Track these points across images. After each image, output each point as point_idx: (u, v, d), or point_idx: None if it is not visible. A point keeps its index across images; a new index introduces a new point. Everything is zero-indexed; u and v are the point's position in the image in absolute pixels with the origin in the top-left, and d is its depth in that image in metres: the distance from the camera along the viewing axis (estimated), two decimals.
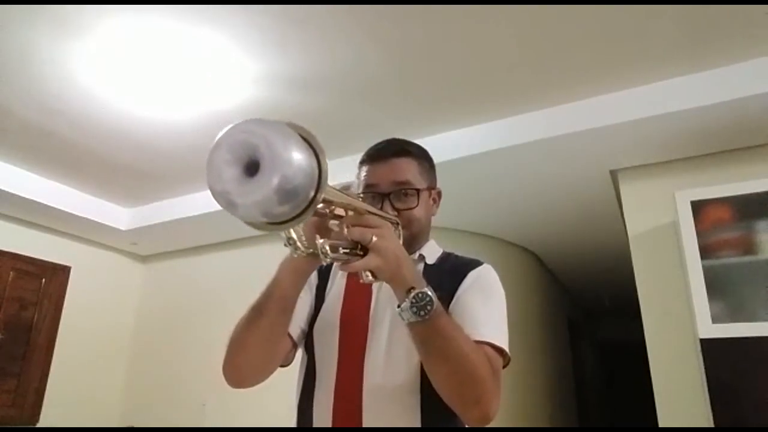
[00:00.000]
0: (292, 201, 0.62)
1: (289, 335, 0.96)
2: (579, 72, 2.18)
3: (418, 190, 1.02)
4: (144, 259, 4.50)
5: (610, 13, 1.83)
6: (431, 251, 1.09)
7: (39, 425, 3.52)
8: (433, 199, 1.10)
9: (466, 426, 0.94)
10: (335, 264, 0.79)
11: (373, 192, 1.00)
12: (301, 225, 0.68)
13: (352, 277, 1.01)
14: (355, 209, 0.80)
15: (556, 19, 1.87)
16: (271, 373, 0.95)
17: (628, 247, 2.60)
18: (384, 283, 0.91)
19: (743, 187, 2.09)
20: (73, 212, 3.47)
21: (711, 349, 1.96)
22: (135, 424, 3.96)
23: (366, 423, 0.90)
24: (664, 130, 2.29)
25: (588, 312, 7.06)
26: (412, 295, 0.76)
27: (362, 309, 1.00)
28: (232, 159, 0.62)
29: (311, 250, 0.74)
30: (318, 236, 0.73)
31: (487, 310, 0.94)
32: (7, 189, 3.10)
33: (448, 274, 1.01)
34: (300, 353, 1.04)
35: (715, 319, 1.98)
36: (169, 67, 2.18)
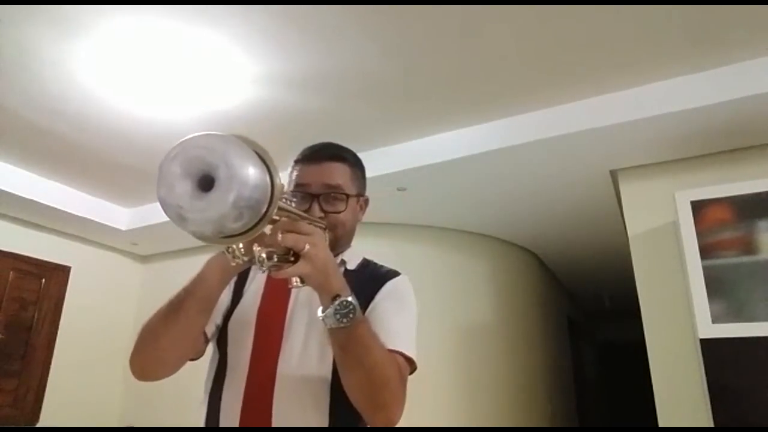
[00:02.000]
0: (245, 217, 0.63)
1: (203, 332, 0.96)
2: (579, 72, 2.18)
3: (347, 195, 1.04)
4: (144, 259, 4.50)
5: (610, 13, 1.83)
6: (352, 257, 1.11)
7: (39, 425, 3.52)
8: (361, 206, 1.12)
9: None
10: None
11: (304, 192, 1.01)
12: (252, 236, 0.69)
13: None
14: (288, 213, 0.81)
15: (556, 19, 1.87)
16: (176, 370, 0.94)
17: (628, 247, 2.59)
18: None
19: (743, 187, 2.09)
20: (73, 212, 3.47)
21: (711, 349, 1.96)
22: (134, 424, 3.97)
23: (276, 410, 0.92)
24: (664, 130, 2.29)
25: (588, 312, 7.06)
26: (337, 302, 0.79)
27: (280, 308, 1.01)
28: (185, 173, 0.63)
29: (248, 257, 0.76)
30: (255, 244, 0.74)
31: (400, 320, 0.98)
32: (7, 189, 3.10)
33: (367, 282, 1.03)
34: (210, 346, 1.04)
35: (715, 319, 1.98)
36: (169, 67, 2.18)
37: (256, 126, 2.58)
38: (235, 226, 0.64)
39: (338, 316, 0.78)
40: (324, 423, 0.93)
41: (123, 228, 3.79)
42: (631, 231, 2.61)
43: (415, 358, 0.95)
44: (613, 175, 2.74)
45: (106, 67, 2.19)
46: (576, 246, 4.16)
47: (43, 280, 3.66)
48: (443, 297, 3.53)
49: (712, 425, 1.89)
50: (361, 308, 0.82)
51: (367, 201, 1.14)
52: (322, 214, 0.99)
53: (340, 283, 0.81)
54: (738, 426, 1.85)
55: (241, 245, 0.76)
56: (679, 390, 2.28)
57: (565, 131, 2.35)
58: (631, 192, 2.65)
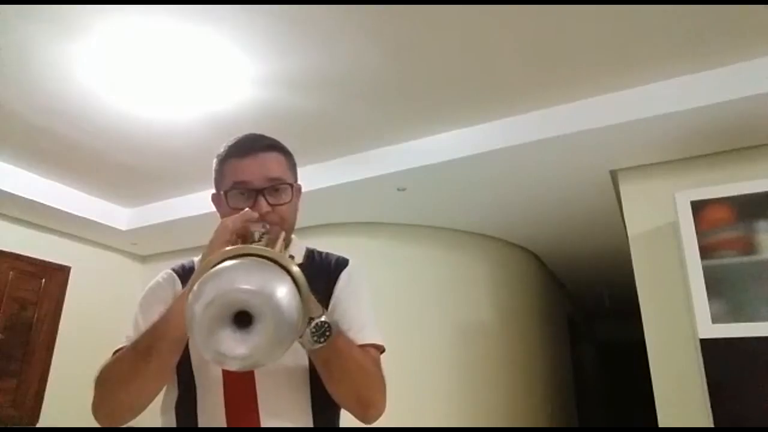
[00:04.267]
0: (291, 337, 0.66)
1: None
2: (579, 72, 2.18)
3: (291, 185, 1.01)
4: (144, 259, 4.50)
5: (610, 13, 1.83)
6: (297, 250, 1.08)
7: (39, 425, 3.52)
8: (296, 201, 1.08)
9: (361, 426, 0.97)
10: None
11: (245, 188, 0.97)
12: None
13: None
14: (271, 242, 0.82)
15: (556, 20, 1.87)
16: (146, 407, 0.90)
17: (628, 247, 2.59)
18: None
19: (743, 187, 2.09)
20: (73, 212, 3.47)
21: (711, 349, 1.96)
22: (134, 424, 3.96)
23: (261, 399, 0.91)
24: (664, 130, 2.29)
25: (588, 312, 7.06)
26: (312, 325, 0.79)
27: None
28: (223, 316, 0.63)
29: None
30: None
31: (363, 311, 1.00)
32: (7, 189, 3.10)
33: (319, 275, 1.01)
34: None
35: (715, 319, 1.98)
36: (169, 67, 2.18)
37: (256, 126, 2.56)
38: (280, 353, 0.66)
39: (315, 338, 0.79)
40: (306, 401, 0.93)
41: (123, 228, 3.79)
42: (631, 231, 2.61)
43: (383, 343, 0.98)
44: (613, 175, 2.74)
45: (106, 67, 2.18)
46: (576, 246, 4.16)
47: (43, 280, 3.65)
48: (443, 297, 3.53)
49: (712, 425, 1.89)
50: (321, 303, 0.81)
51: (300, 189, 1.09)
52: (270, 208, 0.96)
53: (313, 305, 0.79)
54: (738, 426, 1.85)
55: None
56: (679, 390, 2.28)
57: (565, 131, 2.35)
58: (631, 192, 2.65)
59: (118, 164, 3.07)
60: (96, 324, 4.02)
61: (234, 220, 0.84)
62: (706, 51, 2.03)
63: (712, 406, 1.89)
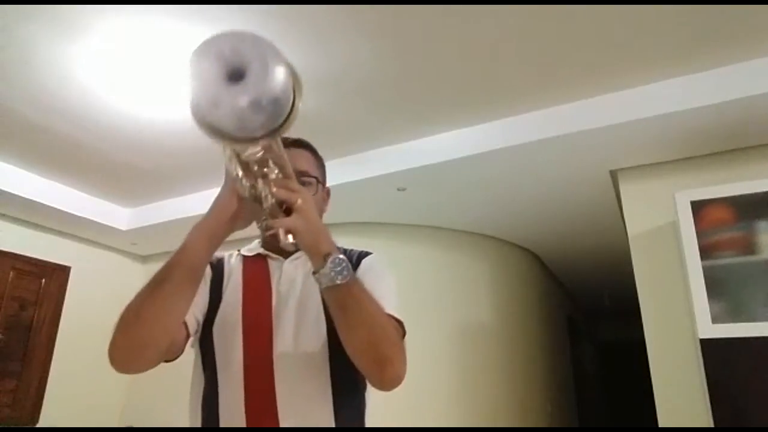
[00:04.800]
0: (266, 113, 0.63)
1: (184, 323, 0.91)
2: (579, 72, 2.18)
3: (316, 178, 1.04)
4: (144, 259, 4.50)
5: (610, 13, 1.83)
6: None
7: (39, 425, 3.52)
8: (324, 197, 1.10)
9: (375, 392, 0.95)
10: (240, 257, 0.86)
11: None
12: (271, 141, 0.69)
13: (249, 273, 1.03)
14: (283, 169, 0.81)
15: (555, 20, 1.87)
16: (158, 360, 0.86)
17: (628, 247, 2.59)
18: (281, 275, 1.01)
19: (743, 187, 2.09)
20: (73, 212, 3.47)
21: (711, 349, 1.96)
22: (135, 424, 3.97)
23: (279, 398, 0.91)
24: (664, 130, 2.29)
25: (588, 312, 7.06)
26: (330, 260, 0.79)
27: (264, 302, 0.99)
28: (217, 61, 0.63)
29: (252, 191, 0.79)
30: (258, 180, 0.76)
31: (384, 288, 0.97)
32: (7, 189, 3.10)
33: None
34: (191, 352, 1.01)
35: (715, 319, 1.98)
36: (169, 67, 2.18)
37: None
38: (256, 123, 0.63)
39: (333, 274, 0.79)
40: (327, 396, 0.93)
41: (123, 228, 3.79)
42: (631, 231, 2.61)
43: (404, 323, 0.96)
44: (613, 175, 2.74)
45: (106, 67, 2.18)
46: (576, 246, 4.16)
47: (43, 280, 3.66)
48: (443, 297, 3.53)
49: (712, 425, 1.89)
50: None
51: (329, 192, 1.12)
52: None
53: (330, 243, 0.82)
54: (738, 426, 1.85)
55: (244, 179, 0.78)
56: (679, 390, 2.28)
57: (565, 131, 2.35)
58: (631, 192, 2.65)
59: (118, 164, 3.07)
60: (96, 324, 4.02)
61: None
62: (706, 51, 2.03)
63: (712, 406, 1.89)
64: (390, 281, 1.03)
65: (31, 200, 3.25)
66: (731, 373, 1.92)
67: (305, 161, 1.04)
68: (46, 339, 3.63)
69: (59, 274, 3.78)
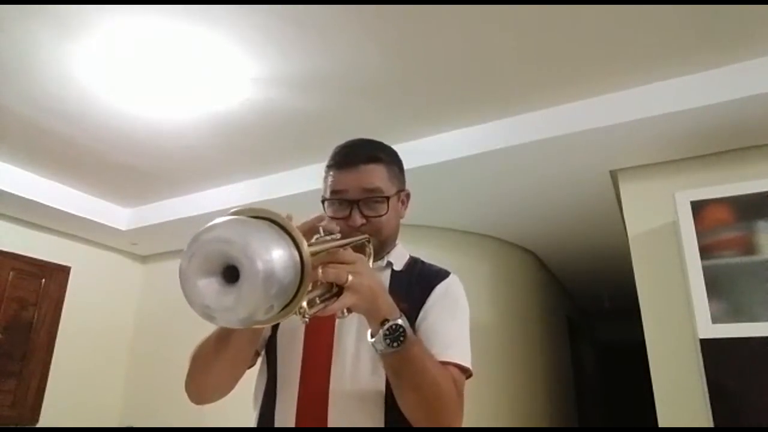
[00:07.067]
0: (276, 308, 0.62)
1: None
2: (579, 72, 2.18)
3: (387, 198, 1.01)
4: (144, 259, 4.50)
5: (610, 12, 1.83)
6: (398, 257, 1.09)
7: (39, 425, 3.52)
8: (402, 202, 1.10)
9: None
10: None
11: (341, 198, 0.99)
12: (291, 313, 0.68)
13: None
14: (325, 246, 0.78)
15: (556, 20, 1.87)
16: (231, 389, 0.94)
17: (628, 247, 2.59)
18: None
19: (743, 187, 2.09)
20: (73, 212, 3.47)
21: (711, 349, 1.96)
22: (134, 424, 3.96)
23: (331, 423, 0.90)
24: (664, 130, 2.29)
25: (588, 312, 7.06)
26: (386, 327, 0.77)
27: (326, 319, 0.98)
28: (207, 270, 0.62)
29: (290, 313, 0.72)
30: None
31: (454, 328, 0.96)
32: (7, 189, 3.10)
33: (417, 284, 1.01)
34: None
35: (715, 319, 1.98)
36: (169, 67, 2.18)
37: (256, 126, 2.58)
38: (268, 316, 0.63)
39: (388, 341, 0.77)
40: (379, 402, 0.92)
41: (123, 228, 3.79)
42: (631, 231, 2.61)
43: (470, 366, 0.94)
44: (613, 175, 2.74)
45: (106, 67, 2.18)
46: (576, 246, 4.16)
47: (43, 280, 3.65)
48: None
49: (711, 425, 1.89)
50: (412, 312, 0.81)
51: (408, 195, 1.11)
52: (364, 221, 0.97)
53: (388, 307, 0.79)
54: (738, 426, 1.85)
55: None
56: (679, 390, 2.28)
57: (565, 131, 2.35)
58: (631, 192, 2.65)
59: (118, 164, 3.07)
60: (96, 324, 4.03)
61: (307, 221, 0.83)
62: (706, 51, 2.03)
63: (712, 406, 1.89)
64: (462, 317, 1.00)
65: (31, 200, 3.25)
66: (731, 373, 1.92)
67: (376, 177, 1.01)
68: (46, 339, 3.63)
69: (59, 274, 3.78)
